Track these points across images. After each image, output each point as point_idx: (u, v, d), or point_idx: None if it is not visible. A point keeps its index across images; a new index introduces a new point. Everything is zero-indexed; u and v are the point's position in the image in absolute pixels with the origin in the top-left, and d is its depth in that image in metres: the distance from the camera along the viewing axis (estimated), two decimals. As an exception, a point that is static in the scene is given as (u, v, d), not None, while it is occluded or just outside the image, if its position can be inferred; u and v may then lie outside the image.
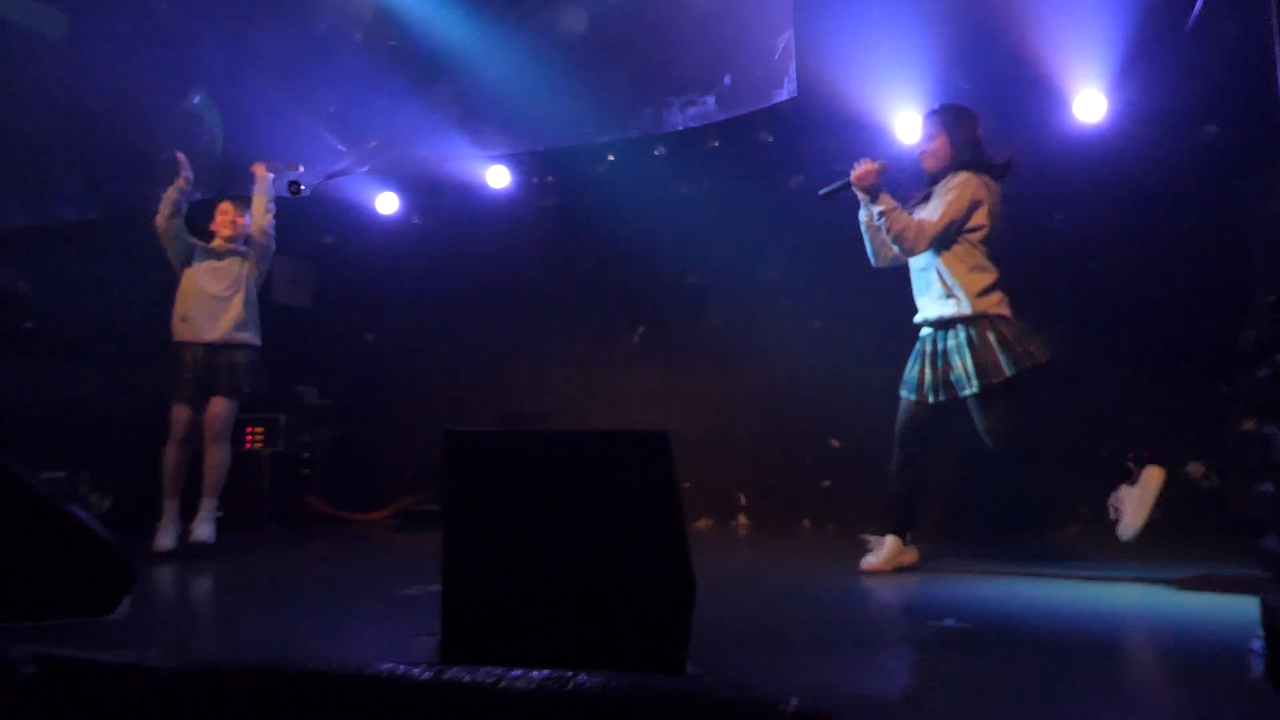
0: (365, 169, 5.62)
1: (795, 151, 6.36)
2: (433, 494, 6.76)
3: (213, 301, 5.04)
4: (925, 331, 4.19)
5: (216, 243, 5.17)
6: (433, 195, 7.34)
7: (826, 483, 6.23)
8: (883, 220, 4.06)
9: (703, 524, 6.33)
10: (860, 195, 4.18)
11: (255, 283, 5.24)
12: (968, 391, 3.93)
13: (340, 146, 5.73)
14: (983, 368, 3.89)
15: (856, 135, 6.25)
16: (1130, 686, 2.32)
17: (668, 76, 5.25)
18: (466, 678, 0.76)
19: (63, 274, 5.83)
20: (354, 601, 3.95)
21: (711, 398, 6.61)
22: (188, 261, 5.07)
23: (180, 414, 4.97)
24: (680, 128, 5.25)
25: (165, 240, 5.03)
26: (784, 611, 3.70)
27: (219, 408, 4.97)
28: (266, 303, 7.23)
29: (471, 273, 7.27)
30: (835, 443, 6.25)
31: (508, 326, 7.26)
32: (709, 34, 5.10)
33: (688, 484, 5.98)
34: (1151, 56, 5.24)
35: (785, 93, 4.75)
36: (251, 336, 5.16)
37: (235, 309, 5.07)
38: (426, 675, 0.77)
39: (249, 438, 6.46)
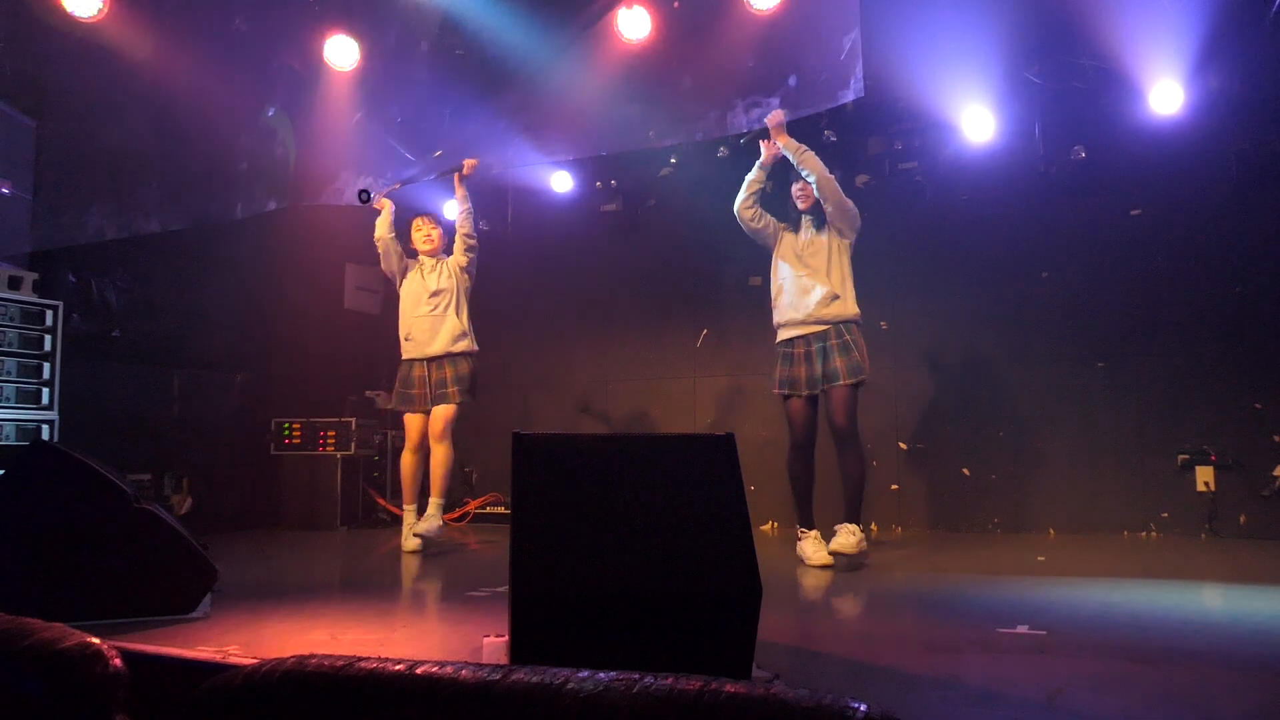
0: (432, 177, 5.72)
1: (861, 152, 6.31)
2: (501, 496, 6.85)
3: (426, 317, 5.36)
4: (798, 333, 4.71)
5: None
6: (498, 201, 7.43)
7: (894, 486, 6.16)
8: (804, 155, 4.65)
9: (768, 527, 6.30)
10: (778, 140, 4.72)
11: (467, 290, 5.47)
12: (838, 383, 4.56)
13: (408, 155, 5.83)
14: (855, 367, 4.56)
15: (924, 134, 6.18)
16: (1212, 695, 2.24)
17: (732, 79, 5.22)
18: (534, 679, 0.77)
19: (147, 284, 6.04)
20: (424, 602, 4.02)
21: (776, 401, 6.57)
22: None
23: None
24: (744, 129, 5.23)
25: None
26: (852, 615, 3.66)
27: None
28: (337, 309, 7.44)
29: (536, 277, 7.34)
30: (903, 445, 6.17)
31: (572, 330, 7.31)
32: (774, 35, 5.06)
33: (752, 487, 5.96)
34: (1232, 46, 5.06)
35: (851, 93, 4.69)
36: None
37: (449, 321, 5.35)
38: (495, 676, 0.78)
39: (321, 441, 6.63)
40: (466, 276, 5.45)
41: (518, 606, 2.11)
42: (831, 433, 4.63)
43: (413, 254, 5.50)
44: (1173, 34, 4.96)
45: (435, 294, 5.34)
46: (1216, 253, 5.46)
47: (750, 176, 4.85)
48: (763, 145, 4.85)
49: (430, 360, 5.29)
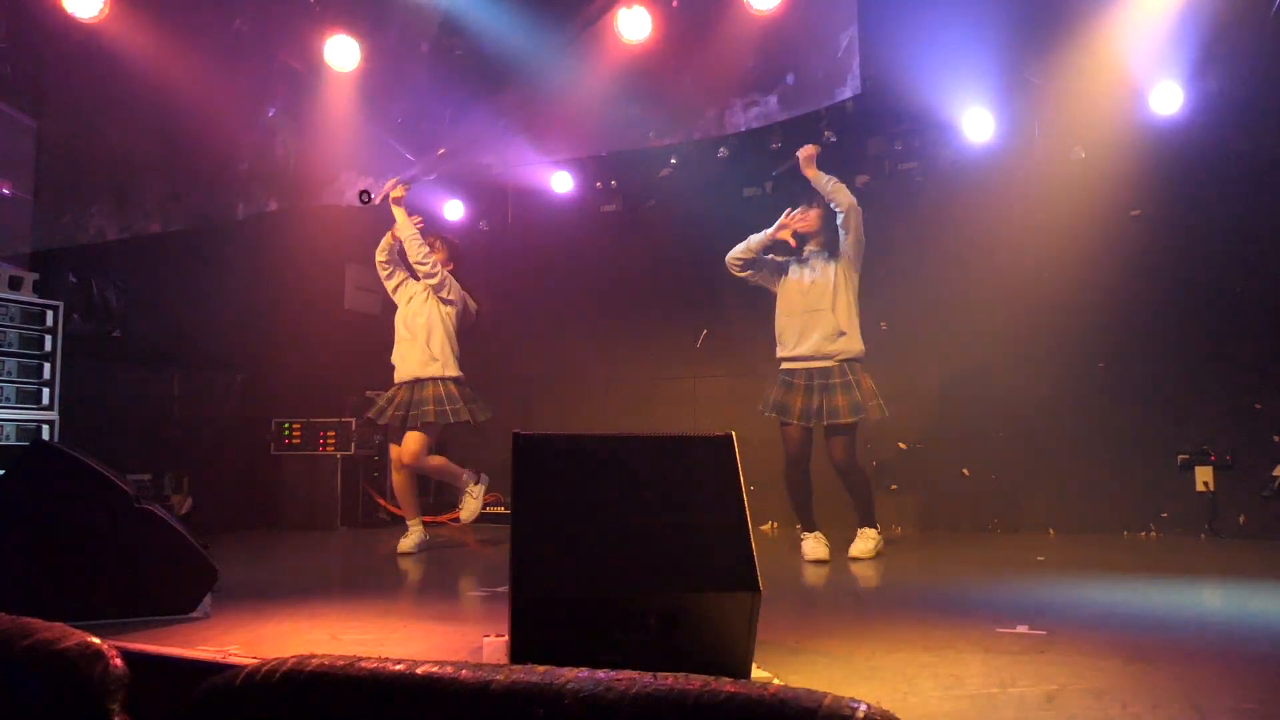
0: (432, 177, 5.70)
1: (860, 151, 6.31)
2: (501, 496, 6.85)
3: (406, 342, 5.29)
4: (802, 367, 4.71)
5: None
6: (498, 201, 7.43)
7: (893, 486, 6.16)
8: (835, 187, 4.65)
9: (768, 527, 6.29)
10: (807, 173, 4.71)
11: (447, 316, 5.31)
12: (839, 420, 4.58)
13: (408, 155, 5.83)
14: (854, 405, 4.57)
15: (924, 134, 6.18)
16: (1212, 695, 2.24)
17: (730, 77, 5.22)
18: (534, 679, 0.77)
19: (147, 284, 6.04)
20: (424, 602, 4.02)
21: (777, 400, 6.57)
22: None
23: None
24: (743, 128, 5.23)
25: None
26: (850, 615, 3.66)
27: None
28: (337, 309, 7.44)
29: (536, 277, 7.34)
30: (902, 445, 6.17)
31: (572, 330, 7.31)
32: (772, 34, 5.06)
33: (752, 487, 5.94)
34: (1232, 46, 5.06)
35: (849, 90, 4.69)
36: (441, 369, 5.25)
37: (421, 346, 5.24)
38: (495, 676, 0.78)
39: (321, 441, 6.63)
40: (440, 303, 5.27)
41: (518, 606, 2.11)
42: (831, 464, 4.72)
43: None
44: (1173, 34, 4.96)
45: (410, 324, 5.28)
46: (1216, 253, 5.46)
47: (753, 243, 4.80)
48: (783, 231, 4.76)
49: (403, 384, 5.24)
